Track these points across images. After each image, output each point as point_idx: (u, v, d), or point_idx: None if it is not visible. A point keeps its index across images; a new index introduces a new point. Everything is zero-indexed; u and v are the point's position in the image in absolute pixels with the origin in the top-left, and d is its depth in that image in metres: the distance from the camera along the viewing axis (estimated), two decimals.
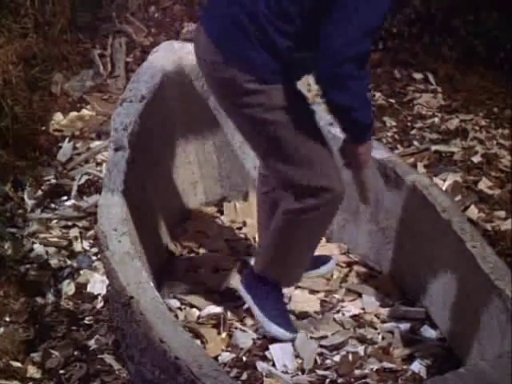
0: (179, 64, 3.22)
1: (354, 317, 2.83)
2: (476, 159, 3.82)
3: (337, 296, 2.93)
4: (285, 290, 2.77)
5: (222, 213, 3.37)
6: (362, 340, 2.72)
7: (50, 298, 2.96)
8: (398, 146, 3.97)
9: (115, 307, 2.44)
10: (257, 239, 3.13)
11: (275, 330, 2.65)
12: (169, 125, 3.17)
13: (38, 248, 3.18)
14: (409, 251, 2.86)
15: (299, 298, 2.90)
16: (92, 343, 2.73)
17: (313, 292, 2.94)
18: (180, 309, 2.85)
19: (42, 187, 3.54)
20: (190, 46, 3.29)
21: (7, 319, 2.83)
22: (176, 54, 3.23)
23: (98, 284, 3.00)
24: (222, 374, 2.04)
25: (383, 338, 2.72)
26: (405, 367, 2.58)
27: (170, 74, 3.17)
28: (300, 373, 2.57)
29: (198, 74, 3.23)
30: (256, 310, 2.68)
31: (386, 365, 2.59)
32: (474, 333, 2.48)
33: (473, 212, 3.40)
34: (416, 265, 2.82)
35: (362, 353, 2.65)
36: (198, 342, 2.63)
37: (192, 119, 3.29)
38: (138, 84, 3.06)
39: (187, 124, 3.28)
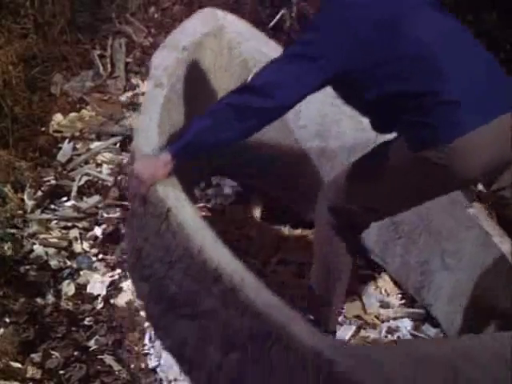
0: (221, 30, 3.15)
1: (354, 317, 2.83)
2: None
3: None
4: None
5: (222, 213, 3.37)
6: (364, 340, 2.72)
7: (50, 298, 2.95)
8: None
9: (141, 223, 2.39)
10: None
11: None
12: (203, 84, 3.07)
13: (38, 249, 3.17)
14: (421, 247, 2.84)
15: None
16: (92, 344, 2.74)
17: None
18: None
19: (42, 188, 3.53)
20: (232, 17, 3.26)
21: (7, 319, 2.83)
22: (218, 22, 3.16)
23: (97, 285, 2.99)
24: (263, 288, 2.02)
25: (386, 337, 2.73)
26: None
27: (210, 37, 3.10)
28: None
29: (235, 44, 3.17)
30: None
31: None
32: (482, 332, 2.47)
33: None
34: (427, 261, 2.80)
35: None
36: None
37: (222, 89, 3.10)
38: (181, 35, 3.01)
39: (218, 92, 3.11)
